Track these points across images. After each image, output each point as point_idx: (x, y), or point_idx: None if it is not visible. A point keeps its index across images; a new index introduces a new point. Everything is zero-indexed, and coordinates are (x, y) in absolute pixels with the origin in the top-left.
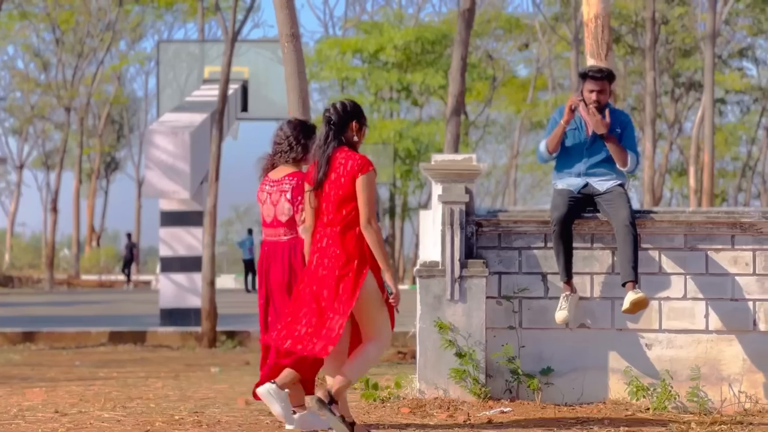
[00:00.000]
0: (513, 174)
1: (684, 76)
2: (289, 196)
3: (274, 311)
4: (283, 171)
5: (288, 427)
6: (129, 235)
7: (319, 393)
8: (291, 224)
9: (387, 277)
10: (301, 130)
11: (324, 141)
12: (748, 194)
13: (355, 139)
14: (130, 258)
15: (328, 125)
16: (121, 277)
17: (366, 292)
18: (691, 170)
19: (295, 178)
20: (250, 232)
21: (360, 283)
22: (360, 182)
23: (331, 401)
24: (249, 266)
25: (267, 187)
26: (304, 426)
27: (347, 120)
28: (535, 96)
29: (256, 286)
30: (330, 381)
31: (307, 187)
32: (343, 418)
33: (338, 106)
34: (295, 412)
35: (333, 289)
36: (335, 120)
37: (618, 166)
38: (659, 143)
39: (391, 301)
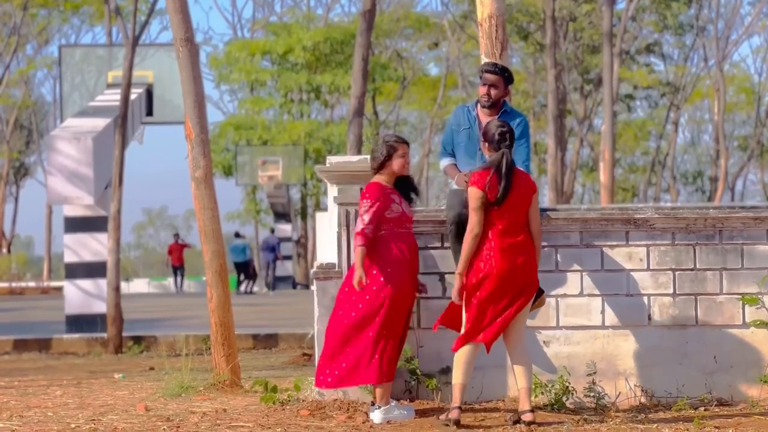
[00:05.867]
0: (425, 172)
1: (593, 72)
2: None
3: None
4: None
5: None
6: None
7: (527, 417)
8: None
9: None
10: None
11: (509, 161)
12: (658, 188)
13: None
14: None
15: (510, 146)
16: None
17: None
18: (602, 166)
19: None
20: (237, 235)
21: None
22: (535, 198)
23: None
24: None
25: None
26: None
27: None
28: (446, 94)
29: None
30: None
31: (480, 196)
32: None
33: (508, 129)
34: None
35: (527, 285)
36: (511, 141)
37: None
38: (570, 139)
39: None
